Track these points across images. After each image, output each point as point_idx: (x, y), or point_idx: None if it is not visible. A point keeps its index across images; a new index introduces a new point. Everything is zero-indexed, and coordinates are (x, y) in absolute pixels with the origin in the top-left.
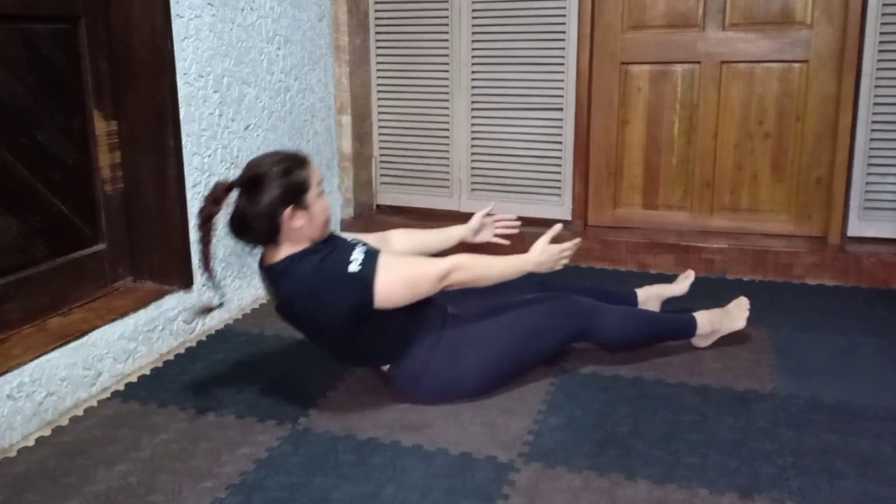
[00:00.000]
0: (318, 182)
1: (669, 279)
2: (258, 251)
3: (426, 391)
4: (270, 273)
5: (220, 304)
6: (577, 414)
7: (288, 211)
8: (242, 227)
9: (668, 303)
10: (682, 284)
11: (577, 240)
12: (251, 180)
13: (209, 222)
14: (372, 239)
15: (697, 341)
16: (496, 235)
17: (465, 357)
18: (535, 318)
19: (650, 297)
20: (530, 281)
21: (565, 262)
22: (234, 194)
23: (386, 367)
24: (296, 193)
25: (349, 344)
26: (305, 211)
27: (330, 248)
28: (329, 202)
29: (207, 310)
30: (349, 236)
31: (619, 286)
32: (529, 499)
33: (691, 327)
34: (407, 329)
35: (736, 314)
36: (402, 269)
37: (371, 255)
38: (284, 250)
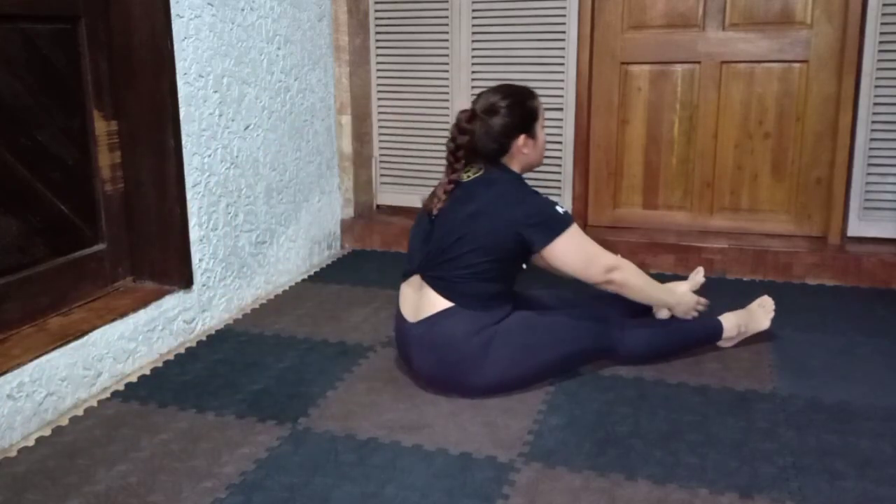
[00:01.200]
0: (543, 115)
1: (669, 279)
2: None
3: (437, 366)
4: (488, 168)
5: None
6: (577, 414)
7: (522, 138)
8: (470, 148)
9: None
10: (694, 281)
11: (707, 302)
12: (488, 109)
13: (458, 152)
14: None
15: (722, 343)
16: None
17: (493, 357)
18: (570, 335)
19: None
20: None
21: (696, 314)
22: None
23: (437, 307)
24: (528, 122)
25: (474, 248)
26: (534, 140)
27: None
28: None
29: None
30: None
31: None
32: (529, 499)
33: (717, 332)
34: (495, 292)
35: (760, 314)
36: (588, 242)
37: (571, 216)
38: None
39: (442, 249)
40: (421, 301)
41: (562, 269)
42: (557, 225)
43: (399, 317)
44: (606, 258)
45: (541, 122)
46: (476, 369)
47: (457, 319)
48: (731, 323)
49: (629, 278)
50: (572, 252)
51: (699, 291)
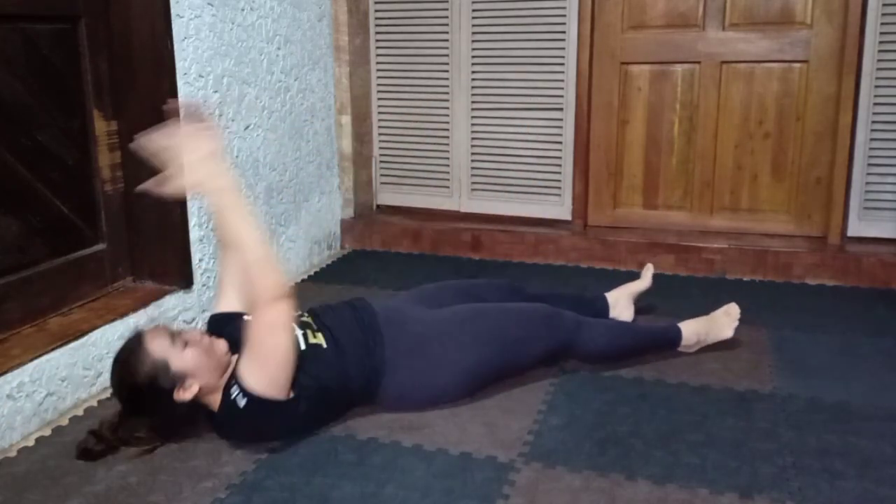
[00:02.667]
0: (172, 339)
1: (669, 279)
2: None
3: (415, 402)
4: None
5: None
6: (577, 414)
7: (177, 393)
8: (169, 427)
9: (643, 298)
10: (646, 278)
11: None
12: (129, 401)
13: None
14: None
15: (682, 349)
16: None
17: (436, 357)
18: (518, 327)
19: (620, 297)
20: (506, 284)
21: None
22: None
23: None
24: (169, 379)
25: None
26: (186, 378)
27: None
28: (200, 344)
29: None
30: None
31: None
32: (529, 499)
33: (676, 339)
34: (330, 378)
35: (723, 322)
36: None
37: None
38: (210, 401)
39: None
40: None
41: (277, 378)
42: (235, 406)
43: None
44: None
45: (176, 353)
46: (438, 384)
47: (387, 390)
48: (690, 330)
49: (279, 314)
50: (258, 378)
51: (701, 293)
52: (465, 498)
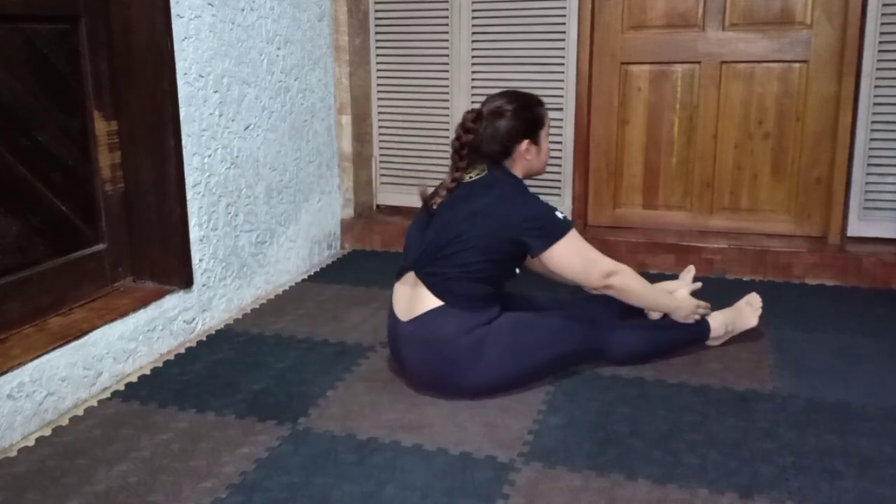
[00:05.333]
0: (549, 124)
1: (668, 279)
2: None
3: (428, 366)
4: (490, 168)
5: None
6: (577, 414)
7: (525, 143)
8: (474, 148)
9: None
10: (686, 279)
11: (708, 305)
12: (494, 111)
13: (462, 150)
14: None
15: (710, 343)
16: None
17: (485, 357)
18: (559, 336)
19: None
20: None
21: (697, 317)
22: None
23: (429, 306)
24: (533, 128)
25: (467, 247)
26: (537, 146)
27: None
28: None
29: None
30: None
31: None
32: (529, 499)
33: (705, 332)
34: (487, 294)
35: (748, 312)
36: (587, 247)
37: (570, 221)
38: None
39: (438, 247)
40: (413, 299)
41: (561, 273)
42: (556, 230)
43: (392, 315)
44: (605, 263)
45: (546, 130)
46: (466, 370)
47: (447, 319)
48: (718, 322)
49: (628, 283)
50: (571, 257)
51: (701, 293)
52: (465, 498)
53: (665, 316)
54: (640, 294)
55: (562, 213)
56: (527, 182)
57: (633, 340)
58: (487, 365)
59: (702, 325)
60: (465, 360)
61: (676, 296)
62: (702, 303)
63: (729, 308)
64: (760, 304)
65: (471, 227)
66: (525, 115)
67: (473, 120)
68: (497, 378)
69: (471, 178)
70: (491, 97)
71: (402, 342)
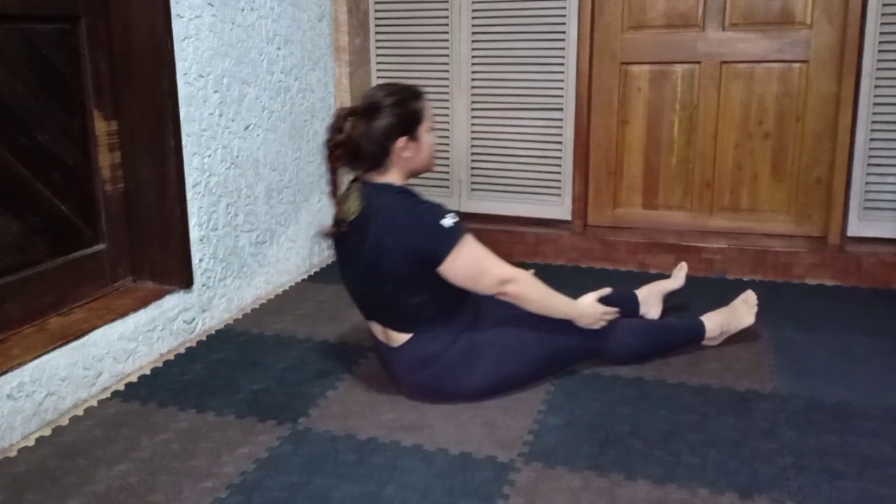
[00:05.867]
0: (430, 117)
1: (667, 279)
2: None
3: (424, 381)
4: (367, 188)
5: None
6: (577, 414)
7: (401, 140)
8: (354, 151)
9: (671, 297)
10: (678, 277)
11: (617, 309)
12: (368, 108)
13: (335, 150)
14: None
15: (706, 343)
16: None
17: (480, 362)
18: (554, 335)
19: (650, 295)
20: None
21: (603, 324)
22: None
23: (404, 339)
24: (410, 124)
25: (395, 289)
26: (416, 143)
27: (428, 200)
28: (436, 139)
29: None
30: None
31: (620, 287)
32: (529, 499)
33: (700, 333)
34: (445, 308)
35: (743, 311)
36: (480, 253)
37: (461, 226)
38: (388, 177)
39: (373, 297)
40: (388, 334)
41: (457, 282)
42: (446, 242)
43: (375, 339)
44: (500, 270)
45: (426, 124)
46: (463, 377)
47: (428, 338)
48: (714, 323)
49: (524, 291)
50: (462, 267)
51: (701, 293)
52: (465, 498)
53: (663, 315)
54: (537, 301)
55: (452, 217)
56: (533, 180)
57: (628, 340)
58: (483, 367)
59: (697, 326)
60: (459, 367)
61: (580, 303)
62: (609, 309)
63: (724, 308)
64: (756, 302)
65: (382, 274)
66: (400, 110)
67: (344, 117)
68: (495, 379)
69: (353, 212)
70: (365, 93)
71: (393, 364)
